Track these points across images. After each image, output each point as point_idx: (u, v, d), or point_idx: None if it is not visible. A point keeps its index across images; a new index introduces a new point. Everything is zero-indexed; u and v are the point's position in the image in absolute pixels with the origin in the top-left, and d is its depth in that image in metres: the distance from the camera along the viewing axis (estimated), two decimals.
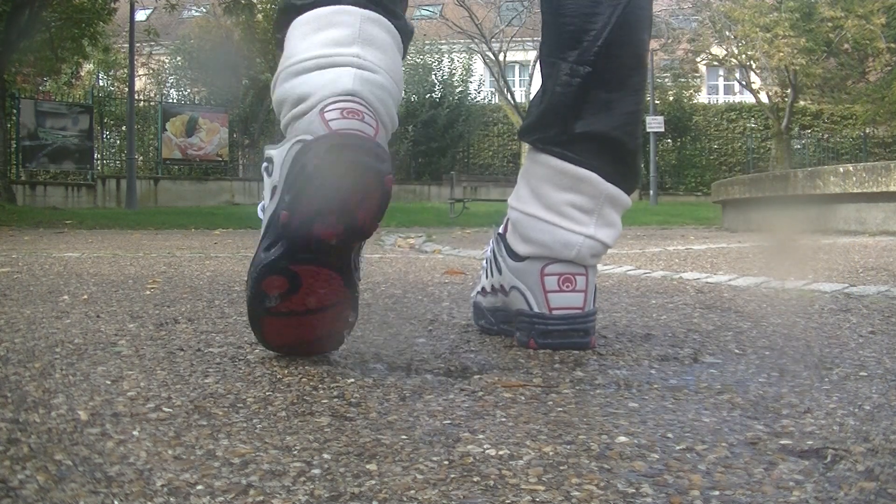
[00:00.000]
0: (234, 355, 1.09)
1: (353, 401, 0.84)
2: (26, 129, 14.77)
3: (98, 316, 1.47)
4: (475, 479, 0.60)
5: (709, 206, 12.34)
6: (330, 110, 0.92)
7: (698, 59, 24.29)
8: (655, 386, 0.92)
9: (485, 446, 0.68)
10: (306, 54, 0.98)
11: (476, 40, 21.50)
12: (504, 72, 21.80)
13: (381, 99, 0.97)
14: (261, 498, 0.56)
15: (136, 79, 15.81)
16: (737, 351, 1.14)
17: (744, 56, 21.89)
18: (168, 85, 23.40)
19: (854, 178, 5.58)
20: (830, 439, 0.70)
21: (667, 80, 25.15)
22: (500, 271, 1.21)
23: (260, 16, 15.45)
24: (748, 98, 24.28)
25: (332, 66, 0.97)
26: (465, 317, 1.47)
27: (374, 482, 0.59)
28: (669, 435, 0.72)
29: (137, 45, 15.62)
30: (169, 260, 3.13)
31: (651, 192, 19.64)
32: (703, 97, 27.10)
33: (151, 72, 24.23)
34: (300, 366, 1.02)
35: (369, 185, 0.89)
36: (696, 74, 26.10)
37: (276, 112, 1.02)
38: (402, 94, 1.06)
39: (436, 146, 20.79)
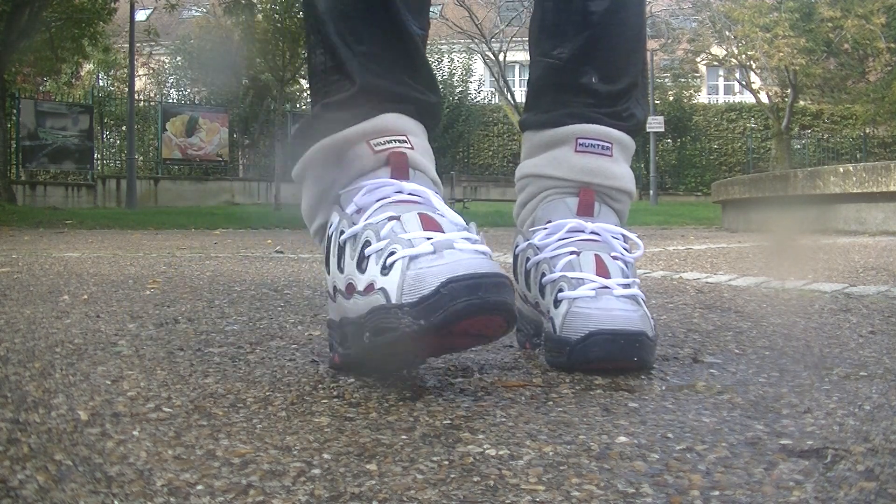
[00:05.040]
0: (234, 355, 1.09)
1: (353, 401, 0.84)
2: (26, 129, 14.78)
3: (98, 316, 1.47)
4: (475, 479, 0.60)
5: (709, 206, 12.34)
6: None
7: (698, 59, 24.31)
8: (655, 386, 0.92)
9: (485, 446, 0.68)
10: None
11: (476, 40, 21.50)
12: (504, 72, 21.81)
13: None
14: (261, 498, 0.56)
15: (136, 79, 15.83)
16: (737, 351, 1.13)
17: (744, 56, 21.90)
18: (168, 85, 23.43)
19: (854, 178, 5.59)
20: (830, 439, 0.70)
21: (667, 80, 25.17)
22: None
23: (260, 16, 15.44)
24: (748, 98, 24.30)
25: None
26: None
27: (374, 482, 0.59)
28: (669, 435, 0.72)
29: (137, 45, 15.63)
30: (169, 260, 3.13)
31: (651, 192, 19.65)
32: (703, 97, 27.13)
33: (151, 72, 24.24)
34: (300, 366, 1.02)
35: None
36: (696, 74, 26.12)
37: None
38: None
39: (436, 146, 20.37)
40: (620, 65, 1.16)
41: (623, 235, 1.10)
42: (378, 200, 0.93)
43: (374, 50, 1.01)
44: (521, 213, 1.20)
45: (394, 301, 0.82)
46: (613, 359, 0.96)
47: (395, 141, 0.99)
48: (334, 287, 0.96)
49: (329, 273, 0.97)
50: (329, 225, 0.99)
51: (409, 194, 0.94)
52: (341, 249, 0.94)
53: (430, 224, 0.88)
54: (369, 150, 0.98)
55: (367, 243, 0.89)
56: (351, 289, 0.91)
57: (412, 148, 0.99)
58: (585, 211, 1.11)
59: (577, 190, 1.13)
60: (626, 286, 1.02)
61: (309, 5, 1.07)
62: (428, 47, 1.13)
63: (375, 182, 0.95)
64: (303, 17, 1.14)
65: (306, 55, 1.09)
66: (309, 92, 1.11)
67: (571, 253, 1.05)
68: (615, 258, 1.05)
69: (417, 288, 0.80)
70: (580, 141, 1.13)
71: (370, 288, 0.86)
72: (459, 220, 0.91)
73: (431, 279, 0.80)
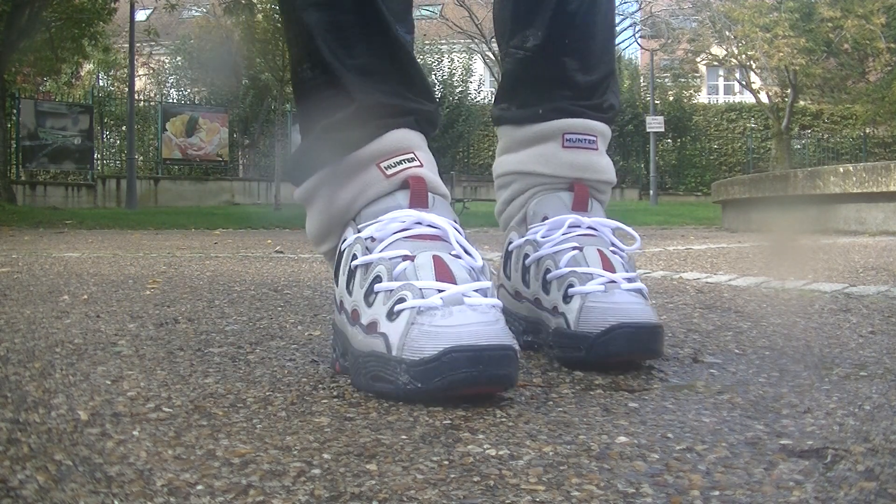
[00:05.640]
0: (234, 355, 1.09)
1: (353, 401, 0.84)
2: (26, 129, 14.79)
3: (98, 316, 1.47)
4: (475, 479, 0.60)
5: (709, 206, 12.34)
6: None
7: (698, 59, 24.32)
8: (655, 386, 0.92)
9: (485, 446, 0.68)
10: None
11: (476, 40, 21.49)
12: None
13: None
14: (261, 498, 0.56)
15: (136, 79, 15.84)
16: (737, 351, 1.13)
17: (744, 56, 21.91)
18: (168, 85, 23.45)
19: (854, 178, 5.59)
20: (830, 439, 0.70)
21: (667, 80, 25.18)
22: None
23: (260, 16, 15.45)
24: (748, 98, 24.31)
25: None
26: None
27: (374, 482, 0.59)
28: (669, 435, 0.72)
29: (137, 45, 15.64)
30: (169, 260, 3.13)
31: (651, 192, 19.65)
32: (703, 97, 27.15)
33: (151, 72, 24.26)
34: (300, 366, 1.02)
35: None
36: (696, 74, 26.14)
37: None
38: None
39: (436, 146, 20.31)
40: (598, 55, 1.16)
41: (614, 229, 1.11)
42: (395, 233, 0.91)
43: (367, 62, 0.99)
44: (507, 209, 1.20)
45: (394, 353, 0.82)
46: (634, 351, 0.97)
47: (404, 161, 0.97)
48: (341, 302, 0.95)
49: (337, 286, 0.97)
50: (342, 240, 0.98)
51: (428, 226, 0.92)
52: (352, 273, 0.93)
53: (443, 272, 0.87)
54: (381, 174, 0.96)
55: (378, 278, 0.88)
56: (356, 316, 0.90)
57: (421, 165, 0.98)
58: (581, 206, 1.11)
59: (567, 185, 1.12)
60: (631, 280, 1.03)
61: (292, 17, 1.01)
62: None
63: (394, 215, 0.93)
64: (283, 30, 1.09)
65: (290, 68, 1.05)
66: (296, 104, 1.08)
67: (574, 248, 1.05)
68: (614, 252, 1.06)
69: (419, 348, 0.80)
70: (567, 136, 1.12)
71: (373, 327, 0.86)
72: (475, 260, 0.90)
73: (434, 343, 0.79)
